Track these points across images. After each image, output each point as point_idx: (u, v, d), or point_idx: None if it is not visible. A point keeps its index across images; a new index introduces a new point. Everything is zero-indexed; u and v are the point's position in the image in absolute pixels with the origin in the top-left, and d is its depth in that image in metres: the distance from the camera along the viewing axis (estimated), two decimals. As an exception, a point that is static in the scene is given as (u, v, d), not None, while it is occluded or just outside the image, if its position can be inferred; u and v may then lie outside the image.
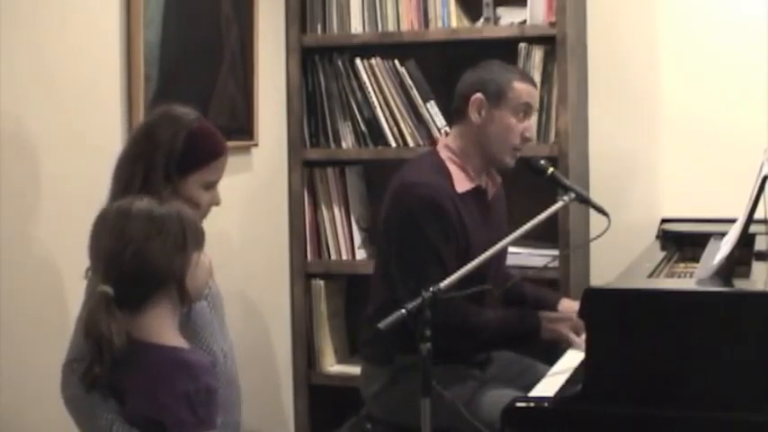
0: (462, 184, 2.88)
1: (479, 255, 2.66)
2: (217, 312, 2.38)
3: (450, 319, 2.60)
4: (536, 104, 2.97)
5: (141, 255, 2.05)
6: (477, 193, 2.92)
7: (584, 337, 2.41)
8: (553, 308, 3.05)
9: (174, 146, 2.31)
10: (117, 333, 2.02)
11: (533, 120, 3.16)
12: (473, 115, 2.89)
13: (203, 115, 3.11)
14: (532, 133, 2.96)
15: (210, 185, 2.38)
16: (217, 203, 2.41)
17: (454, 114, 2.99)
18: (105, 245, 2.08)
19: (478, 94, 2.88)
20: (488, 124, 2.88)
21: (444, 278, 2.39)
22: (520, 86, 2.89)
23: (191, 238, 2.10)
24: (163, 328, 2.09)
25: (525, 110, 2.90)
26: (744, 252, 2.46)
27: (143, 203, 2.11)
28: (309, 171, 3.74)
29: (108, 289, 2.04)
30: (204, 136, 2.38)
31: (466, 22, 3.59)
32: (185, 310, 2.22)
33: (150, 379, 2.05)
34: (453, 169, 2.89)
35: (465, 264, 2.58)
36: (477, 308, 2.83)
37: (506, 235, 2.88)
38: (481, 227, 2.89)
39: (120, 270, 2.05)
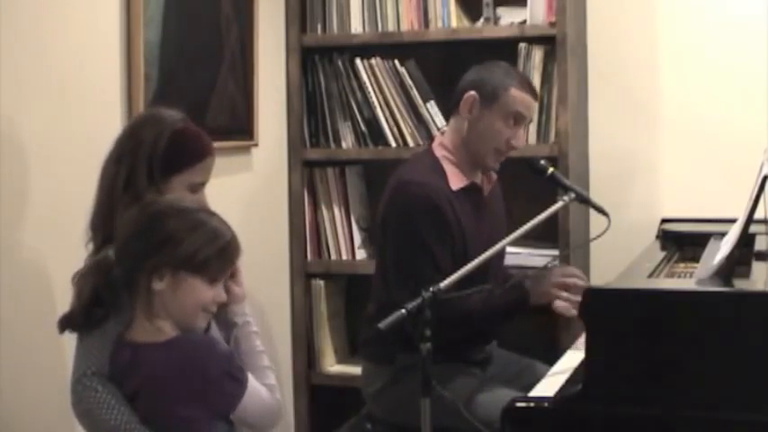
0: (457, 181, 2.88)
1: (477, 252, 2.67)
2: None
3: (440, 314, 2.60)
4: (530, 115, 2.93)
5: (136, 231, 2.10)
6: (473, 189, 2.92)
7: (583, 338, 2.41)
8: None
9: (157, 145, 2.28)
10: (81, 289, 2.11)
11: (533, 126, 3.16)
12: (463, 111, 2.89)
13: (203, 115, 3.13)
14: (519, 143, 2.91)
15: (195, 188, 2.34)
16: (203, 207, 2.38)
17: (451, 108, 2.99)
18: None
19: (473, 92, 2.88)
20: (476, 123, 2.88)
21: (439, 279, 2.39)
22: (516, 93, 2.86)
23: (183, 251, 2.07)
24: (158, 323, 2.10)
25: (516, 118, 2.87)
26: (744, 252, 2.46)
27: (186, 202, 2.17)
28: (309, 171, 3.74)
29: (111, 254, 2.12)
30: (189, 136, 2.35)
31: (466, 22, 3.59)
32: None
33: (166, 377, 2.06)
34: (448, 167, 2.89)
35: (462, 262, 2.58)
36: (461, 296, 2.81)
37: (505, 231, 2.89)
38: (477, 224, 2.89)
39: (119, 240, 2.12)
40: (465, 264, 2.56)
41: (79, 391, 2.12)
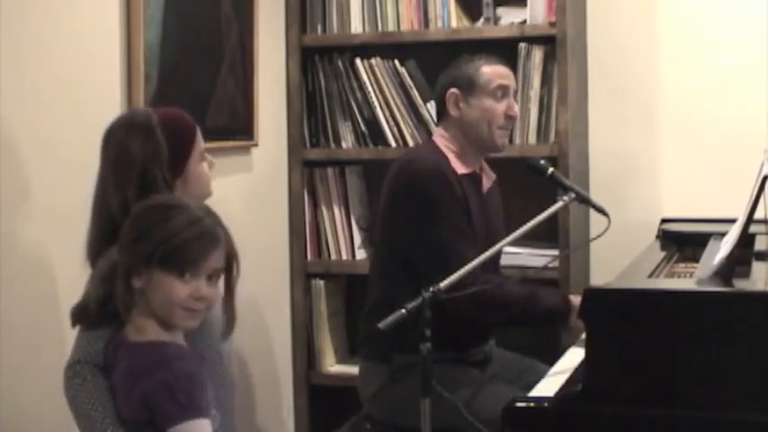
0: (459, 167, 2.91)
1: (478, 239, 2.68)
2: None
3: (480, 292, 2.60)
4: (511, 83, 2.98)
5: (122, 231, 2.09)
6: (474, 178, 2.94)
7: (584, 338, 2.41)
8: None
9: (159, 146, 2.26)
10: (96, 286, 2.10)
11: (533, 126, 3.20)
12: (453, 111, 2.93)
13: (203, 115, 3.14)
14: (516, 111, 2.98)
15: (203, 156, 2.37)
16: (212, 165, 2.40)
17: (438, 118, 3.05)
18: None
19: (452, 89, 2.93)
20: (468, 113, 2.92)
21: (467, 244, 2.37)
22: (488, 69, 2.94)
23: (148, 245, 2.03)
24: (145, 324, 2.08)
25: (501, 90, 2.93)
26: (744, 252, 2.46)
27: (183, 198, 2.15)
28: (309, 171, 3.74)
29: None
30: (174, 118, 2.35)
31: (466, 22, 3.59)
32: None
33: (131, 379, 2.04)
34: (450, 154, 2.92)
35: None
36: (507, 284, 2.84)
37: (502, 232, 2.89)
38: (480, 212, 2.90)
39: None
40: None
41: (69, 377, 2.13)
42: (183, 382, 2.01)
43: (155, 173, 2.24)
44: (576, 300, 2.99)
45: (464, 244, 2.59)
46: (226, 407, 2.30)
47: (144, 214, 2.09)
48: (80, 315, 2.14)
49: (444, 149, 2.93)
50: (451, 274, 2.38)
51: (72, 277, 2.27)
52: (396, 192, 2.88)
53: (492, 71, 2.94)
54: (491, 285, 2.76)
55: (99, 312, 2.10)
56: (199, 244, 2.06)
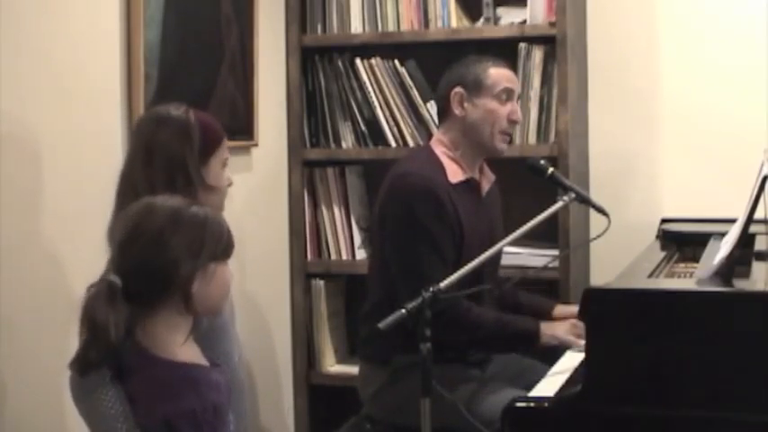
0: (455, 175, 2.90)
1: (472, 247, 2.70)
2: (231, 317, 2.39)
3: (448, 311, 2.61)
4: (516, 87, 2.99)
5: (150, 248, 2.00)
6: (470, 185, 2.94)
7: (583, 338, 2.41)
8: (548, 314, 3.05)
9: (192, 133, 2.35)
10: (115, 324, 1.95)
11: (533, 126, 3.22)
12: (457, 109, 2.93)
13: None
14: (518, 115, 2.98)
15: (225, 163, 2.45)
16: (231, 183, 2.50)
17: (439, 115, 3.04)
18: (121, 233, 2.05)
19: (458, 88, 2.93)
20: (472, 113, 2.92)
21: (444, 271, 2.40)
22: (495, 72, 2.94)
23: (210, 246, 2.03)
24: (174, 339, 2.04)
25: (506, 93, 2.93)
26: (744, 252, 2.46)
27: (173, 200, 2.09)
28: (309, 171, 3.74)
29: (115, 278, 1.98)
30: (206, 116, 2.47)
31: (466, 22, 3.59)
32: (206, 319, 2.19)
33: (156, 394, 2.01)
34: (446, 162, 2.92)
35: (458, 255, 2.57)
36: (477, 305, 2.84)
37: (501, 233, 2.90)
38: (474, 219, 2.90)
39: (128, 261, 2.01)
40: (461, 256, 2.56)
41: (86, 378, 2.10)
42: (209, 414, 2.01)
43: (185, 159, 2.31)
44: (567, 310, 3.01)
45: (439, 271, 2.58)
46: (239, 409, 2.31)
47: (177, 227, 2.02)
48: (91, 363, 2.01)
49: (441, 156, 2.92)
50: (418, 296, 2.31)
51: (74, 276, 2.27)
52: (385, 207, 2.90)
53: (500, 74, 2.94)
54: (461, 309, 2.76)
55: (100, 359, 2.00)
56: (228, 229, 2.12)
